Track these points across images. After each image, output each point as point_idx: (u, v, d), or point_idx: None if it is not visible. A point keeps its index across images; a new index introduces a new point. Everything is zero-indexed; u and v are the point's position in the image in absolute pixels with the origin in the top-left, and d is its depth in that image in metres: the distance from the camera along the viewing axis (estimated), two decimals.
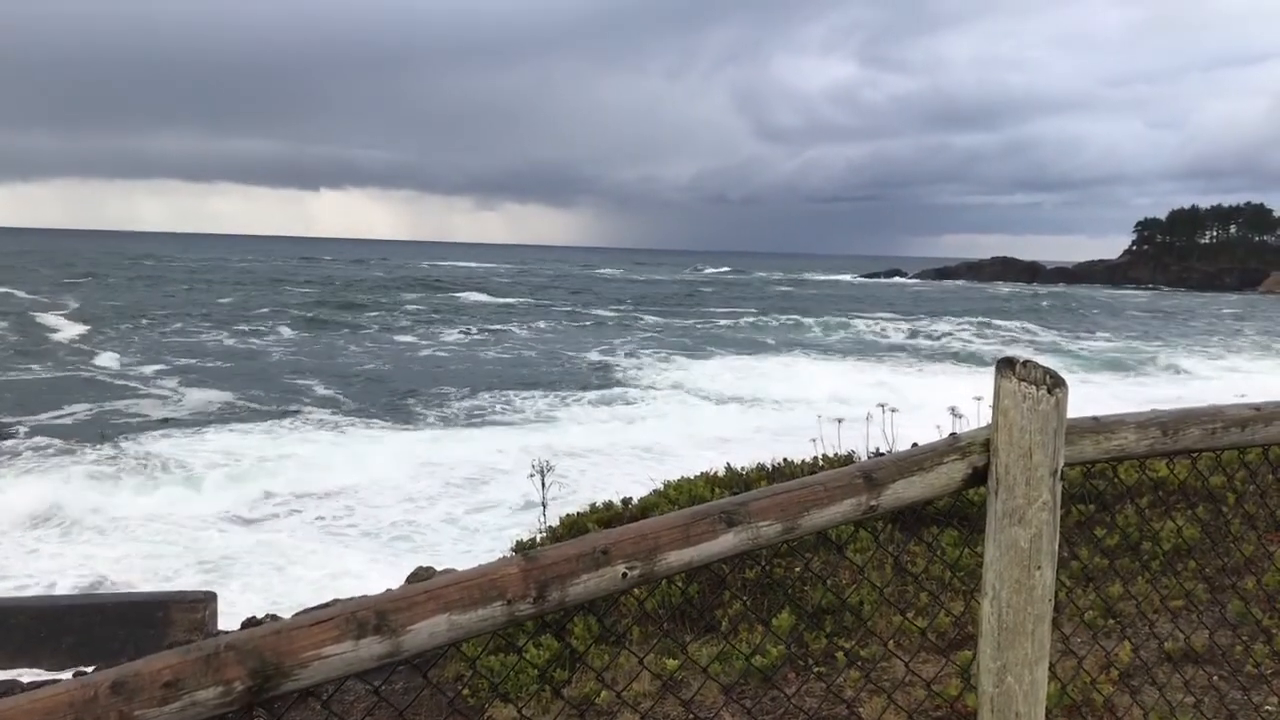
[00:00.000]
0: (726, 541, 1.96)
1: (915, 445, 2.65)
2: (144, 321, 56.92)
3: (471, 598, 1.68)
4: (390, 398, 33.27)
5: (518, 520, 18.48)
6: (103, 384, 34.68)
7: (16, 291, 74.91)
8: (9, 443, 24.30)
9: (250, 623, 11.32)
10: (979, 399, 6.46)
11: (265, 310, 66.21)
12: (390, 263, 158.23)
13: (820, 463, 6.87)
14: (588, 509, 6.50)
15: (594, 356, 45.53)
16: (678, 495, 6.21)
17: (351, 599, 1.68)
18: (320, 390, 34.47)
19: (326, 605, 1.91)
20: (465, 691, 5.29)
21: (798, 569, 5.56)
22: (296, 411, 29.85)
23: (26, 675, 10.91)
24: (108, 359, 41.11)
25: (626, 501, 6.58)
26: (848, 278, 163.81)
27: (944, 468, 2.35)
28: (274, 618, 11.38)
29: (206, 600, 13.46)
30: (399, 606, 1.62)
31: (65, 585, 15.20)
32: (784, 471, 6.80)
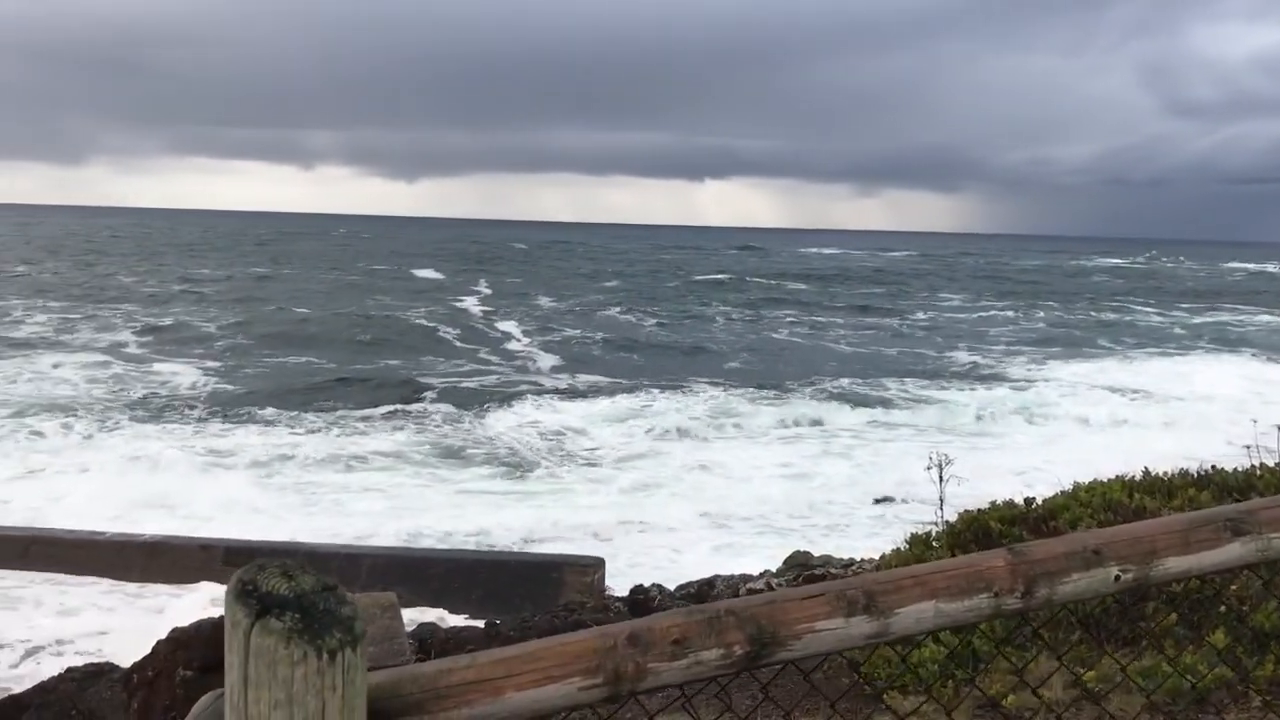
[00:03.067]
0: (1232, 551, 1.78)
1: None
2: (541, 301, 61.86)
3: (958, 587, 1.64)
4: (777, 381, 33.92)
5: (876, 513, 18.29)
6: (505, 357, 38.01)
7: (438, 275, 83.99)
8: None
9: (637, 590, 11.94)
10: None
11: (645, 294, 69.59)
12: (768, 250, 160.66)
13: (1260, 471, 6.15)
14: (988, 506, 6.24)
15: (964, 355, 43.81)
16: (1089, 498, 5.81)
17: (839, 580, 1.68)
18: (687, 375, 35.71)
19: (810, 584, 1.92)
20: (859, 680, 5.24)
21: (1234, 585, 5.02)
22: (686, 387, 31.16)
23: (448, 619, 12.12)
24: (511, 330, 45.29)
25: (1029, 501, 6.25)
26: (1272, 268, 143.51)
27: None
28: (660, 588, 11.91)
29: (596, 565, 14.34)
30: (886, 589, 1.61)
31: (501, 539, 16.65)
32: (1214, 479, 6.15)
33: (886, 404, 29.29)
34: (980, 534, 5.67)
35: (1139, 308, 68.47)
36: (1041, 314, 62.27)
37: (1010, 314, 61.70)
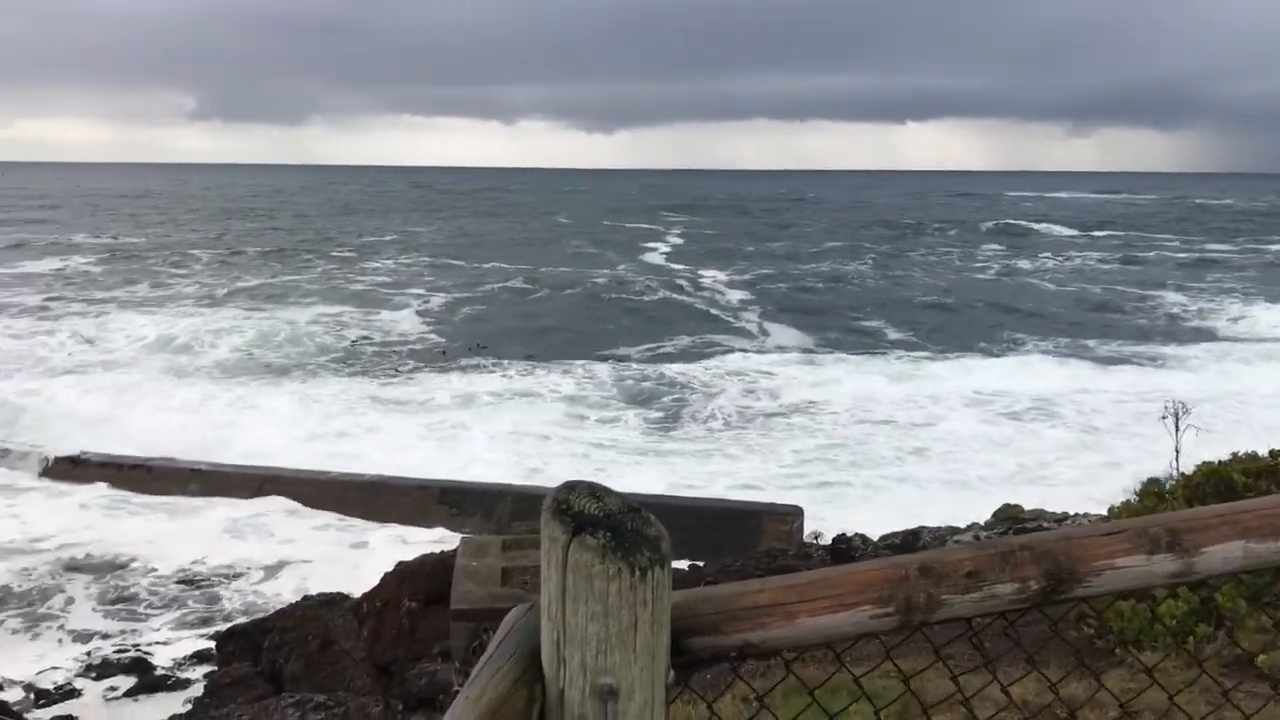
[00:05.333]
0: None
1: None
2: (736, 252, 61.73)
3: (1272, 527, 1.54)
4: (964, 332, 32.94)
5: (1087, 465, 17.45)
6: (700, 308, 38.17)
7: (639, 225, 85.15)
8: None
9: (840, 539, 11.87)
10: None
11: (847, 243, 68.37)
12: (972, 194, 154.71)
13: None
14: (1229, 457, 5.86)
15: (1175, 297, 41.07)
16: None
17: (1139, 518, 1.61)
18: (887, 326, 34.95)
19: (1105, 520, 1.85)
20: (1090, 632, 5.05)
21: None
22: (876, 349, 30.60)
23: None
24: (710, 281, 45.37)
25: (1275, 454, 5.84)
26: None
27: None
28: (862, 537, 11.78)
29: (795, 514, 14.33)
30: (1191, 527, 1.54)
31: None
32: None
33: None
34: (1222, 487, 5.33)
35: None
36: None
37: None
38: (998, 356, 28.50)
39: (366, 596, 9.94)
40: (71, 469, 17.04)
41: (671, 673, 1.31)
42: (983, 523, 12.11)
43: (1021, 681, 2.85)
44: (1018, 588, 1.48)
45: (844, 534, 11.70)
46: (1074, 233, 77.64)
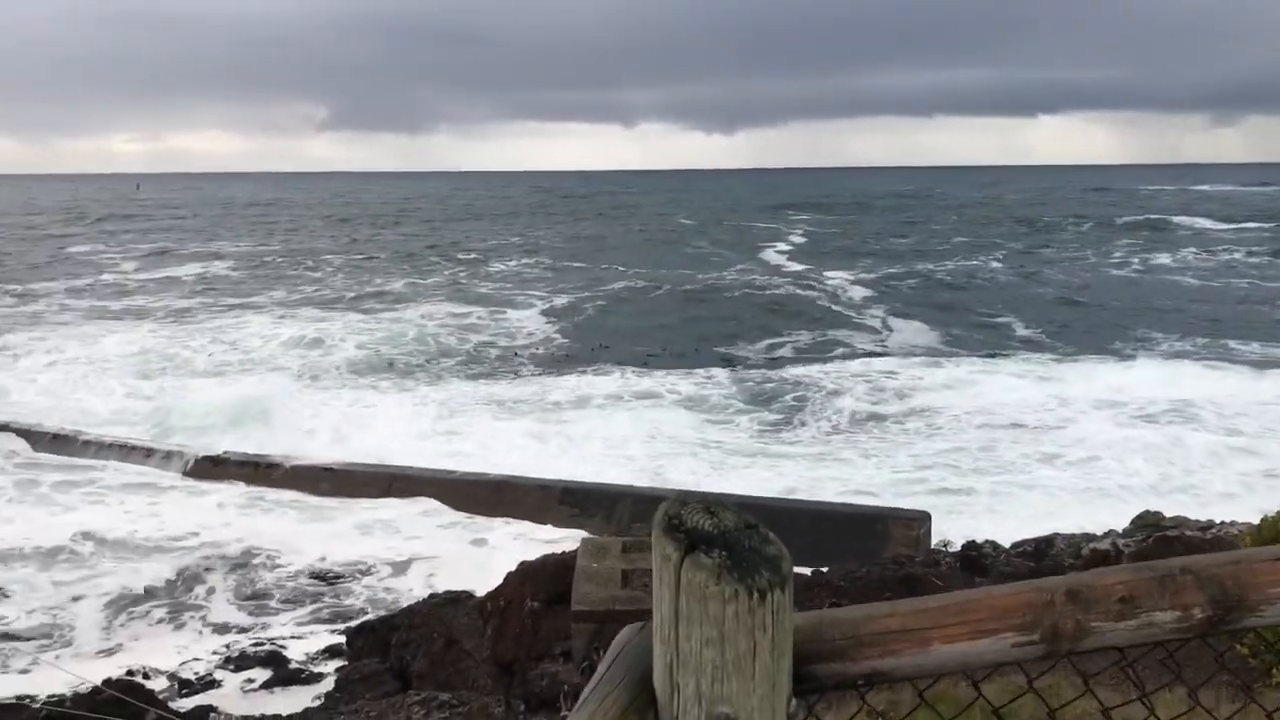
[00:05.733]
0: None
1: None
2: (860, 250, 60.84)
3: None
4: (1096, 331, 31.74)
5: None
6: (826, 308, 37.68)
7: (760, 224, 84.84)
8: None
9: (970, 546, 11.49)
10: None
11: (975, 240, 66.74)
12: (1108, 188, 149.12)
13: None
14: None
15: None
16: None
17: None
18: (1017, 324, 33.90)
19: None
20: (1244, 651, 4.74)
21: None
22: (1004, 350, 29.72)
23: None
24: (840, 282, 44.77)
25: None
26: None
27: None
28: (993, 544, 11.40)
29: (922, 520, 13.95)
30: None
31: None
32: None
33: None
34: None
35: None
36: None
37: None
38: (1134, 357, 27.32)
39: (490, 596, 10.05)
40: (212, 468, 17.74)
41: (793, 702, 1.22)
42: (1120, 530, 11.59)
43: (1169, 702, 2.66)
44: (1179, 616, 1.34)
45: (973, 540, 11.33)
46: (1218, 226, 73.99)
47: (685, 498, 1.25)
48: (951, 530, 13.62)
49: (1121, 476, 16.95)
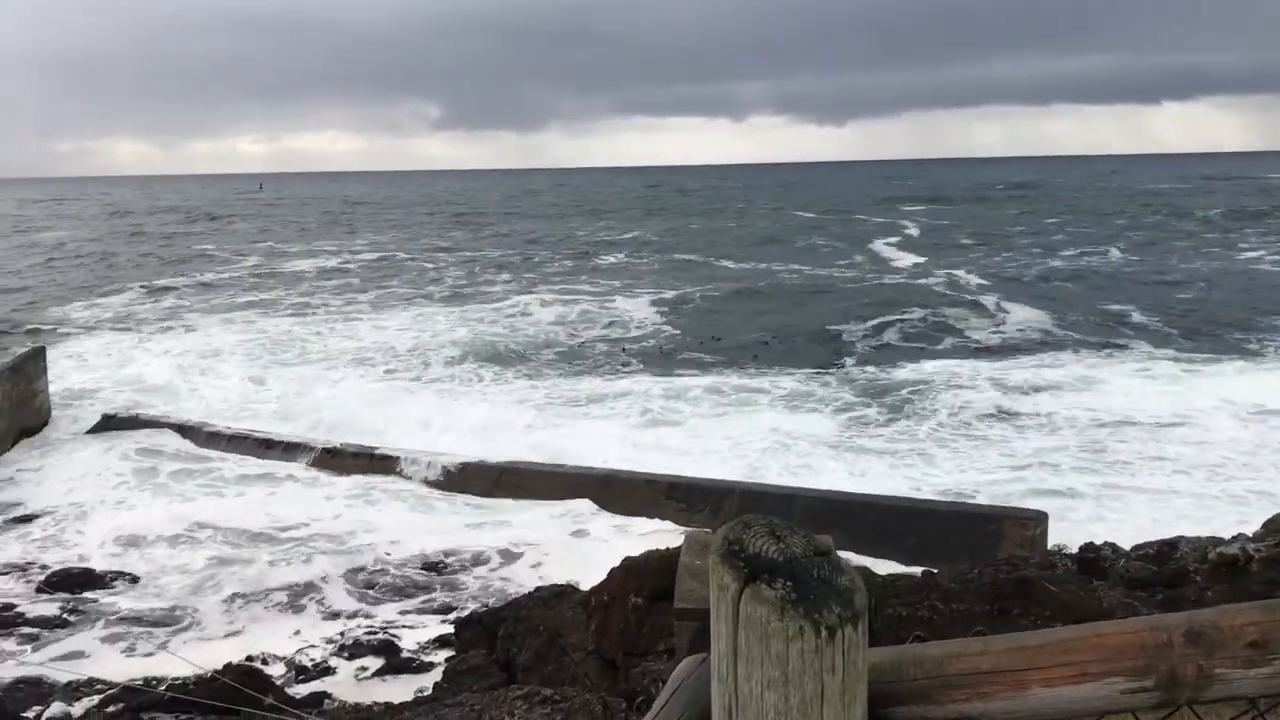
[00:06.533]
0: None
1: None
2: (975, 242, 59.34)
3: None
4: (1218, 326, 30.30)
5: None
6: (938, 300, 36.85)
7: (872, 217, 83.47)
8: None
9: (1088, 548, 11.03)
10: None
11: (1095, 231, 64.53)
12: (1239, 177, 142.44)
13: None
14: None
15: None
16: None
17: None
18: (1138, 317, 32.61)
19: None
20: None
21: None
22: (1122, 345, 28.58)
23: (879, 566, 11.94)
24: (959, 277, 43.72)
25: None
26: None
27: None
28: (1112, 547, 10.93)
29: (1038, 520, 13.48)
30: None
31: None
32: None
33: None
34: None
35: None
36: None
37: None
38: (1263, 354, 25.98)
39: (594, 590, 10.02)
40: (330, 459, 18.20)
41: None
42: (1250, 534, 10.99)
43: None
44: None
45: (1091, 542, 10.87)
46: None
47: (749, 520, 1.13)
48: (1057, 534, 13.15)
49: (1247, 480, 16.11)
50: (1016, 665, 1.14)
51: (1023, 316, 33.05)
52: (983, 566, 10.64)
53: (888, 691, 1.13)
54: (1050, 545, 12.83)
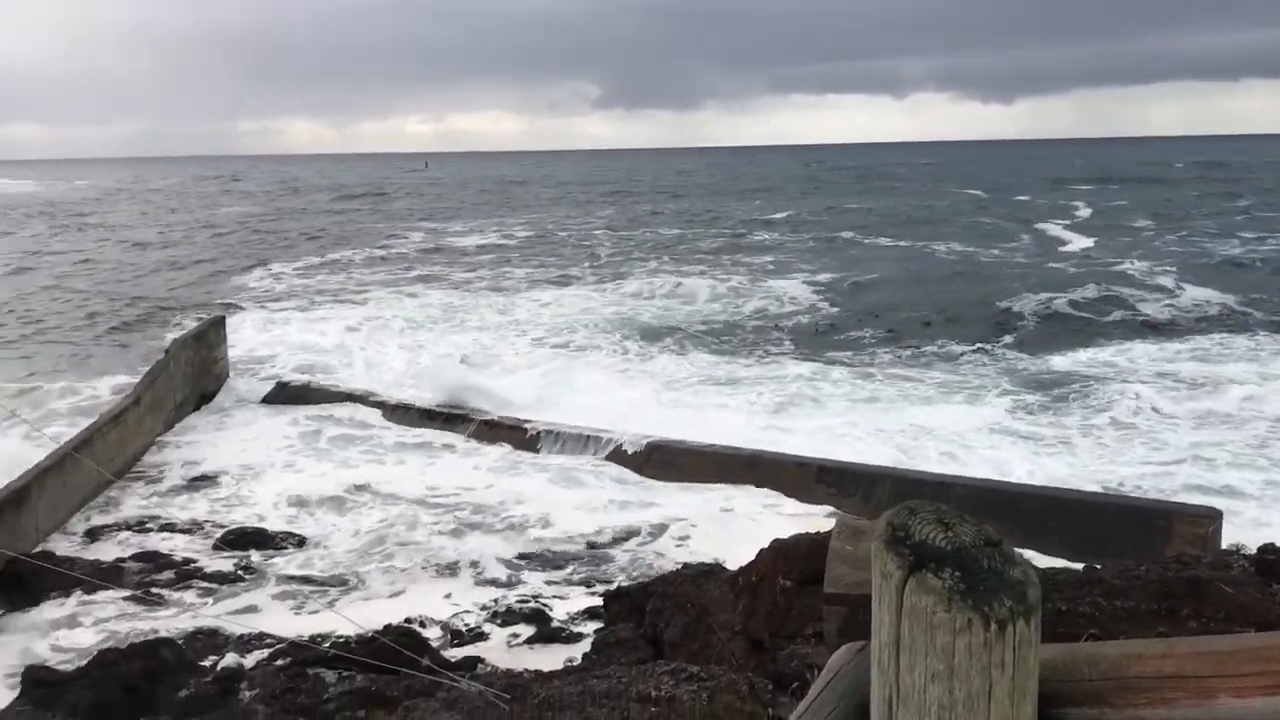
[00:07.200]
0: None
1: None
2: (1150, 225, 56.53)
3: None
4: None
5: None
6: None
7: (1040, 198, 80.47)
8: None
9: (1267, 550, 10.38)
10: None
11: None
12: None
13: None
14: None
15: None
16: None
17: None
18: None
19: None
20: None
21: None
22: None
23: (1040, 559, 11.55)
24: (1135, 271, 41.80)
25: None
26: None
27: None
28: None
29: (1212, 517, 12.78)
30: None
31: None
32: None
33: None
34: None
35: None
36: None
37: None
38: None
39: (742, 570, 10.00)
40: (488, 430, 18.69)
41: None
42: None
43: None
44: None
45: (1272, 544, 10.22)
46: None
47: (915, 506, 1.08)
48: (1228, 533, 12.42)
49: None
50: (1204, 671, 1.06)
51: (1205, 303, 31.31)
52: (1151, 564, 10.15)
53: (1060, 691, 1.07)
54: (1224, 545, 12.15)
